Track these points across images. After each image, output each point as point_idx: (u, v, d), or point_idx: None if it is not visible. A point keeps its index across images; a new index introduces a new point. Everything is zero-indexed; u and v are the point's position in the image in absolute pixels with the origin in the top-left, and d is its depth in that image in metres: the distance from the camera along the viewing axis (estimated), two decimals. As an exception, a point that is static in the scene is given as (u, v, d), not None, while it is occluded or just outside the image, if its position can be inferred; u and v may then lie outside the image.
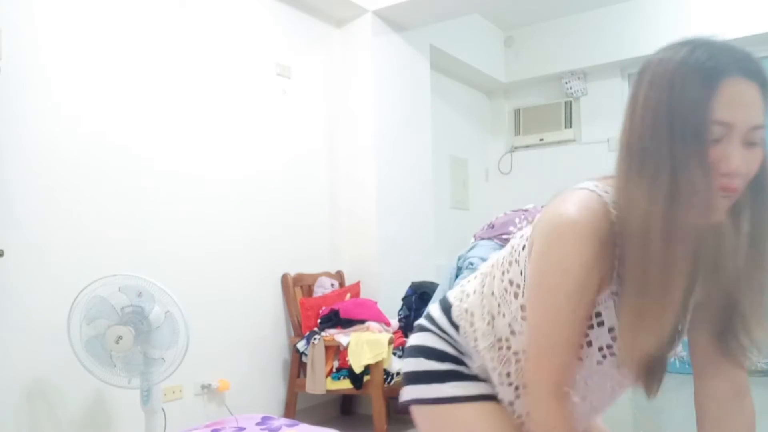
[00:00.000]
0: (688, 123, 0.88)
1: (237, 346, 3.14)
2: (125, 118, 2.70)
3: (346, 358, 3.05)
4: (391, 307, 3.61)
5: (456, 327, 1.16)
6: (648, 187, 0.89)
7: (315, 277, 3.56)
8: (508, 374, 1.10)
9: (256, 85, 3.35)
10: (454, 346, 1.15)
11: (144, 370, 2.25)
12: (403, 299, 3.55)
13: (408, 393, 1.18)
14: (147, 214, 2.75)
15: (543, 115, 5.37)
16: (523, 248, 1.05)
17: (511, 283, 1.07)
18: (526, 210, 2.97)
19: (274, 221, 3.41)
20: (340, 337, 3.13)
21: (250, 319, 3.23)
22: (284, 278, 3.41)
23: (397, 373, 3.13)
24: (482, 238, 2.98)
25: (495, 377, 1.12)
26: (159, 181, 2.82)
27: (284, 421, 2.25)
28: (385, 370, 3.04)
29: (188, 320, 2.24)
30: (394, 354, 3.19)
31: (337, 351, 3.15)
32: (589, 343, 1.02)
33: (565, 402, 0.99)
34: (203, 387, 2.94)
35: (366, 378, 3.02)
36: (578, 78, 5.15)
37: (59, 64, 2.47)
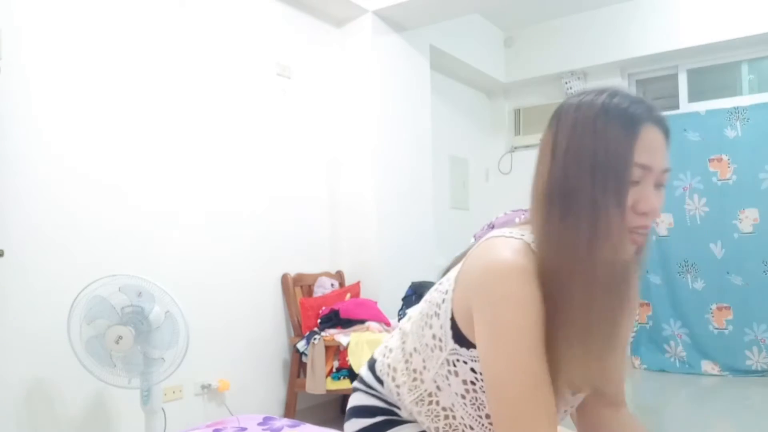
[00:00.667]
0: (612, 165, 0.91)
1: (237, 346, 3.15)
2: (126, 116, 2.69)
3: (346, 358, 3.05)
4: (391, 307, 3.61)
5: (381, 382, 1.17)
6: (572, 231, 0.92)
7: (315, 277, 3.56)
8: (437, 429, 1.10)
9: (256, 85, 3.35)
10: (382, 400, 1.17)
11: (144, 370, 2.25)
12: (403, 299, 3.56)
13: None
14: (147, 214, 2.75)
15: (543, 115, 5.36)
16: (443, 302, 1.04)
17: (434, 337, 1.06)
18: (526, 210, 2.97)
19: (274, 221, 3.41)
20: (340, 337, 3.13)
21: (250, 319, 3.23)
22: (284, 278, 3.41)
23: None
24: (482, 238, 2.98)
25: (426, 429, 1.12)
26: (159, 180, 2.82)
27: (286, 421, 2.25)
28: (385, 370, 3.04)
29: (188, 320, 2.24)
30: (394, 354, 3.19)
31: (337, 351, 3.15)
32: None
33: None
34: (203, 387, 2.94)
35: (366, 378, 3.02)
36: (578, 78, 5.15)
37: (60, 64, 2.47)
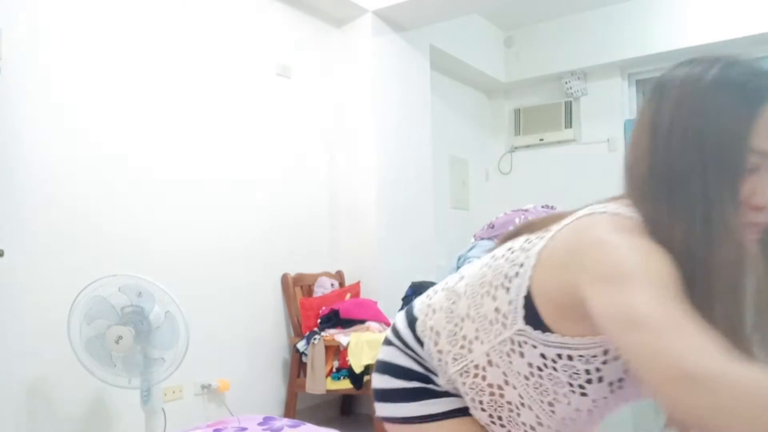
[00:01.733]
0: (724, 150, 0.80)
1: (237, 346, 3.15)
2: (125, 117, 2.70)
3: (346, 358, 3.05)
4: (391, 307, 3.61)
5: (421, 343, 1.07)
6: (685, 227, 0.80)
7: (315, 277, 3.56)
8: (481, 402, 1.01)
9: (256, 85, 3.35)
10: (420, 363, 1.07)
11: (144, 370, 2.25)
12: (403, 299, 3.55)
13: (380, 410, 1.12)
14: (147, 214, 2.75)
15: (543, 115, 5.37)
16: (516, 275, 0.93)
17: (497, 310, 0.95)
18: (526, 210, 2.97)
19: (275, 221, 3.41)
20: (340, 337, 3.13)
21: (250, 319, 3.23)
22: (284, 278, 3.41)
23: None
24: (482, 238, 2.98)
25: (467, 400, 1.03)
26: (159, 180, 2.82)
27: (286, 421, 2.25)
28: (385, 370, 3.04)
29: (188, 320, 2.24)
30: (394, 354, 3.19)
31: (337, 351, 3.15)
32: (600, 379, 0.91)
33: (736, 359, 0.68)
34: (203, 387, 2.94)
35: (366, 378, 3.02)
36: (578, 78, 5.14)
37: (59, 65, 2.47)
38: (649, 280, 0.75)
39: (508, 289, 0.94)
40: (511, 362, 0.95)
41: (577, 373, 0.91)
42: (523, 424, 0.99)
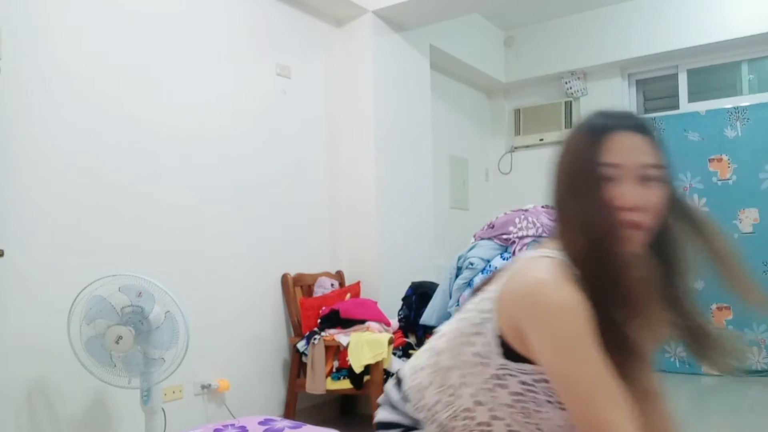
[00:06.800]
0: (583, 169, 1.03)
1: (237, 346, 3.14)
2: (125, 117, 2.69)
3: (346, 358, 3.05)
4: (391, 307, 3.61)
5: (407, 400, 1.21)
6: (573, 237, 1.02)
7: (315, 277, 3.56)
8: None
9: (256, 85, 3.35)
10: (407, 416, 1.21)
11: (144, 370, 2.25)
12: (403, 299, 3.56)
13: None
14: (147, 214, 2.75)
15: (543, 115, 5.37)
16: (485, 321, 1.09)
17: (476, 354, 1.10)
18: (526, 210, 2.97)
19: (275, 221, 3.41)
20: (340, 337, 3.13)
21: (250, 319, 3.23)
22: (284, 278, 3.41)
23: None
24: (482, 238, 2.98)
25: None
26: (159, 181, 2.82)
27: (287, 422, 2.24)
28: (385, 370, 3.04)
29: (188, 320, 2.24)
30: (394, 354, 3.19)
31: (337, 351, 3.15)
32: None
33: None
34: (203, 387, 2.94)
35: (366, 378, 3.03)
36: (578, 78, 5.15)
37: (59, 65, 2.47)
38: (579, 338, 0.95)
39: (481, 333, 1.09)
40: (495, 396, 1.09)
41: (554, 391, 1.04)
42: None
